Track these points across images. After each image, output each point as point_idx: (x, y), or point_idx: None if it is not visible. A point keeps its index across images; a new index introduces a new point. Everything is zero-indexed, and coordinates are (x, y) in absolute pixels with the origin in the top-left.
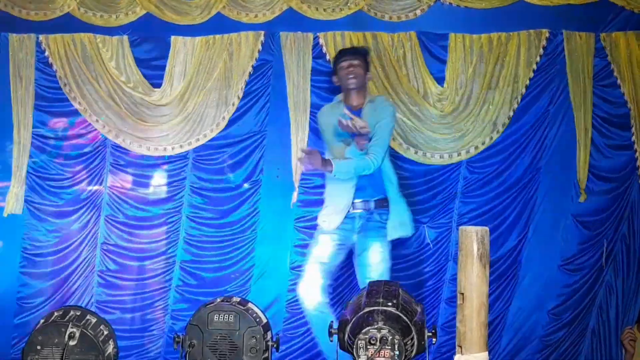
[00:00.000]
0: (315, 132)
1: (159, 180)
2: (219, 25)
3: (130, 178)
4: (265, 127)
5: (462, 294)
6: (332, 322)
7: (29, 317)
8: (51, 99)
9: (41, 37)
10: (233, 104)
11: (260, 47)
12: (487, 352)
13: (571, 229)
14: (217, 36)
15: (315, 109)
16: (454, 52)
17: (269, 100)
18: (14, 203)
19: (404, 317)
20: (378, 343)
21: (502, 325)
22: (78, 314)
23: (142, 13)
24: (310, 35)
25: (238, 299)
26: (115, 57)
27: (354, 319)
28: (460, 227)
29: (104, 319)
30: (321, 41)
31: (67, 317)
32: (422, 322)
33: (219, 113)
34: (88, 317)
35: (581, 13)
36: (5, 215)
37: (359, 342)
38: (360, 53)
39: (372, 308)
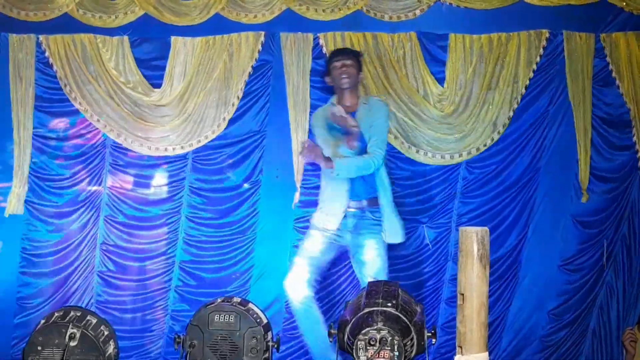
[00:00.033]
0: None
1: (158, 181)
2: (219, 25)
3: (129, 178)
4: (264, 128)
5: (462, 294)
6: (331, 323)
7: (28, 317)
8: (51, 99)
9: (41, 38)
10: (233, 104)
11: (260, 47)
12: (487, 353)
13: (571, 229)
14: (217, 37)
15: (314, 109)
16: (454, 52)
17: (268, 101)
18: (16, 203)
19: (404, 318)
20: (378, 344)
21: (503, 325)
22: (79, 314)
23: (141, 13)
24: (310, 36)
25: (239, 300)
26: (115, 58)
27: (353, 320)
28: (461, 228)
29: (105, 319)
30: (321, 42)
31: (68, 317)
32: (422, 322)
33: (219, 114)
34: (89, 317)
35: (581, 13)
36: (6, 215)
37: (359, 342)
38: (353, 53)
39: (371, 309)
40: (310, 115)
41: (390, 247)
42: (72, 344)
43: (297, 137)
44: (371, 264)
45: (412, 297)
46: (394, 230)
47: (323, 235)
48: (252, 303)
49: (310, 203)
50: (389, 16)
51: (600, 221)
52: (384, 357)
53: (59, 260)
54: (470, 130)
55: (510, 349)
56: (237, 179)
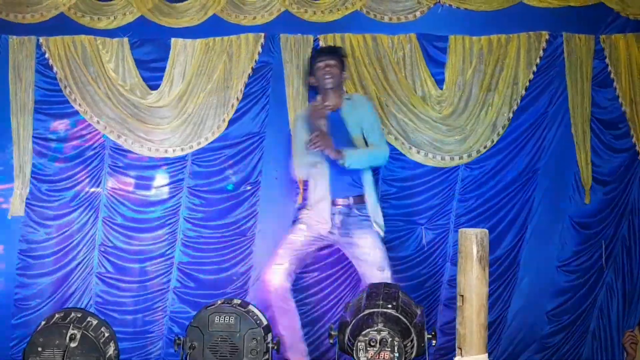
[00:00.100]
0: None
1: (157, 182)
2: (219, 27)
3: (128, 180)
4: (264, 129)
5: (462, 295)
6: (331, 324)
7: (26, 318)
8: (51, 101)
9: (41, 39)
10: (232, 106)
11: (260, 49)
12: (487, 354)
13: (569, 230)
14: (217, 38)
15: None
16: (453, 54)
17: (268, 102)
18: (19, 205)
19: (404, 319)
20: (378, 345)
21: (502, 327)
22: (79, 315)
23: (139, 15)
24: (310, 38)
25: (239, 301)
26: (115, 59)
27: (353, 321)
28: (460, 230)
29: (105, 320)
30: (321, 43)
31: (69, 318)
32: (422, 324)
33: (219, 115)
34: (89, 319)
35: (581, 15)
36: (9, 217)
37: (359, 343)
38: (336, 53)
39: (372, 310)
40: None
41: (389, 249)
42: (73, 345)
43: None
44: (372, 256)
45: (412, 299)
46: (381, 224)
47: (310, 229)
48: (252, 305)
49: None
50: (389, 17)
51: (599, 222)
52: (384, 358)
53: (57, 262)
54: (470, 132)
55: (509, 350)
56: (237, 180)
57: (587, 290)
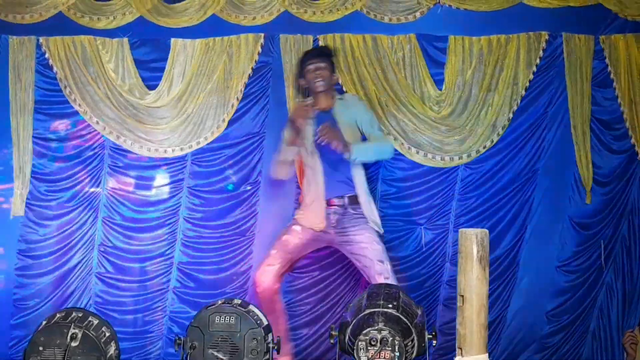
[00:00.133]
0: None
1: (157, 182)
2: (218, 27)
3: (128, 180)
4: (264, 129)
5: (462, 296)
6: (332, 325)
7: (25, 318)
8: (51, 101)
9: (41, 40)
10: (232, 106)
11: (260, 49)
12: (487, 355)
13: (569, 231)
14: (217, 38)
15: None
16: (453, 54)
17: (268, 102)
18: (19, 205)
19: (405, 319)
20: (378, 344)
21: (501, 326)
22: (80, 315)
23: (139, 15)
24: (310, 38)
25: (239, 301)
26: (115, 59)
27: (354, 321)
28: (460, 230)
29: (106, 320)
30: (320, 43)
31: (70, 318)
32: (423, 324)
33: (219, 115)
34: (90, 318)
35: (581, 15)
36: (11, 217)
37: (360, 343)
38: (325, 54)
39: (372, 310)
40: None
41: (388, 249)
42: (74, 344)
43: None
44: (370, 250)
45: (413, 300)
46: (376, 220)
47: (305, 231)
48: (252, 304)
49: None
50: (389, 18)
51: (599, 222)
52: (384, 358)
53: (56, 262)
54: (469, 132)
55: (509, 350)
56: (237, 180)
57: (586, 291)
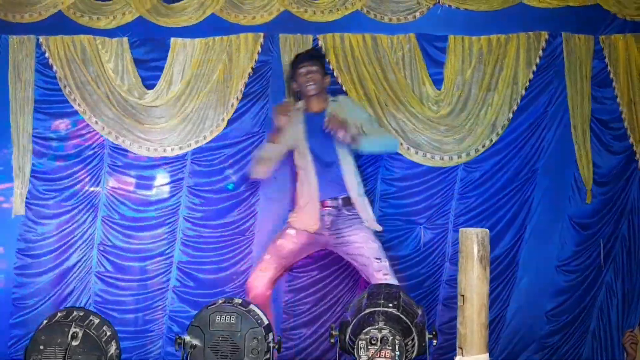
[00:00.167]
0: None
1: (157, 181)
2: (218, 27)
3: (127, 179)
4: (263, 129)
5: (463, 295)
6: (332, 324)
7: (24, 317)
8: (51, 100)
9: (41, 39)
10: (232, 105)
11: (259, 48)
12: (487, 354)
13: (568, 230)
14: (217, 38)
15: None
16: (452, 53)
17: (267, 102)
18: (19, 204)
19: (405, 318)
20: (379, 343)
21: (500, 326)
22: (81, 314)
23: (137, 15)
24: (310, 37)
25: (240, 300)
26: (114, 59)
27: (354, 320)
28: (461, 229)
29: (107, 319)
30: (320, 43)
31: (71, 317)
32: (423, 323)
33: (218, 114)
34: (91, 317)
35: (580, 15)
36: (12, 216)
37: (360, 342)
38: (316, 57)
39: (373, 309)
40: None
41: (388, 249)
42: (75, 343)
43: None
44: (366, 249)
45: (413, 300)
46: (372, 220)
47: (300, 234)
48: (253, 304)
49: None
50: (389, 18)
51: (598, 222)
52: (385, 357)
53: (55, 261)
54: (469, 132)
55: (509, 349)
56: (236, 180)
57: (586, 290)
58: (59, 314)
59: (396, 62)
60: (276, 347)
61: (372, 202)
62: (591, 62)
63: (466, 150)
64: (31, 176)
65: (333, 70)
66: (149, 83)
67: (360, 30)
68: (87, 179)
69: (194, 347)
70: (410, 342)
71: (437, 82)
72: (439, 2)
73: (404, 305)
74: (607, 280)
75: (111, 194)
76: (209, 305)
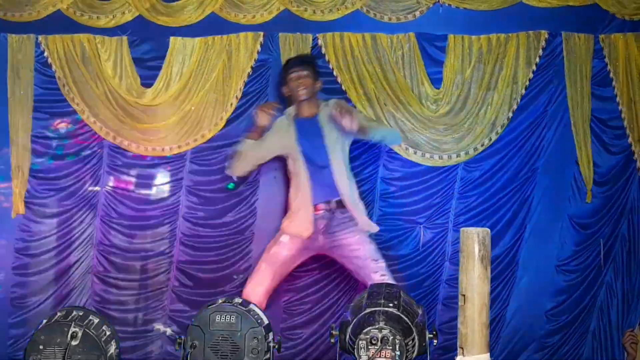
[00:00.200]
0: None
1: (156, 181)
2: (218, 26)
3: (127, 178)
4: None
5: (464, 295)
6: (332, 324)
7: (23, 317)
8: (50, 99)
9: (40, 38)
10: (231, 105)
11: (259, 48)
12: (488, 354)
13: (568, 230)
14: (217, 37)
15: None
16: (452, 53)
17: (267, 101)
18: (19, 203)
19: (405, 318)
20: (379, 343)
21: (500, 326)
22: (81, 314)
23: (137, 14)
24: (310, 37)
25: (240, 300)
26: (114, 58)
27: (355, 320)
28: (462, 229)
29: (107, 319)
30: (320, 42)
31: (70, 317)
32: (423, 323)
33: (217, 113)
34: (91, 317)
35: (580, 15)
36: (13, 216)
37: (360, 342)
38: (308, 62)
39: (373, 309)
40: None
41: (387, 248)
42: (74, 343)
43: None
44: (362, 251)
45: (413, 299)
46: (367, 222)
47: (294, 240)
48: (253, 303)
49: None
50: (389, 17)
51: (598, 221)
52: (385, 357)
53: (54, 260)
54: (467, 130)
55: (508, 349)
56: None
57: (586, 290)
58: (58, 314)
59: (396, 62)
60: (276, 346)
61: (372, 202)
62: (591, 61)
63: (465, 149)
64: (30, 175)
65: (333, 69)
66: (148, 82)
67: (360, 29)
68: (86, 179)
69: (194, 346)
70: (410, 342)
71: (437, 81)
72: (439, 2)
73: (405, 305)
74: (607, 280)
75: (110, 193)
76: (209, 305)
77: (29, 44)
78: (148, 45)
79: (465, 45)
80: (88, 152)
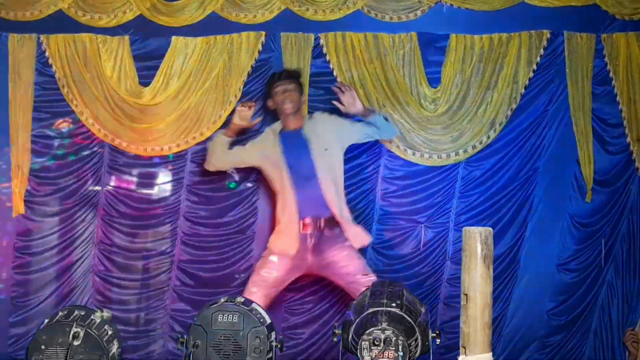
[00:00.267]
0: None
1: (157, 180)
2: (219, 25)
3: (127, 178)
4: (263, 127)
5: (466, 294)
6: (335, 323)
7: (23, 316)
8: (51, 99)
9: (42, 37)
10: (231, 103)
11: (260, 47)
12: (490, 353)
13: (569, 229)
14: (218, 36)
15: (312, 109)
16: (454, 52)
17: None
18: (19, 203)
19: (408, 318)
20: (382, 344)
21: (502, 325)
22: (82, 313)
23: (138, 13)
24: (311, 36)
25: (242, 299)
26: (114, 58)
27: (357, 320)
28: (464, 228)
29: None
30: (322, 42)
31: (72, 316)
32: (426, 323)
33: (216, 112)
34: (92, 317)
35: (582, 14)
36: (14, 216)
37: (363, 342)
38: (293, 76)
39: (376, 309)
40: (309, 114)
41: (389, 247)
42: (76, 343)
43: None
44: (352, 267)
45: (417, 298)
46: (358, 237)
47: (283, 260)
48: (255, 303)
49: None
50: (390, 17)
51: (599, 221)
52: (388, 357)
53: (55, 260)
54: (466, 129)
55: (509, 348)
56: (237, 179)
57: (587, 289)
58: (60, 314)
59: (396, 62)
60: (278, 346)
61: (372, 201)
62: (593, 60)
63: (464, 147)
64: (30, 175)
65: (333, 69)
66: (148, 82)
67: (361, 29)
68: (86, 178)
69: (197, 346)
70: (413, 342)
71: (436, 81)
72: (440, 1)
73: (407, 304)
74: (608, 278)
75: (111, 193)
76: (211, 304)
77: (30, 44)
78: (149, 45)
79: (467, 44)
80: (89, 151)
